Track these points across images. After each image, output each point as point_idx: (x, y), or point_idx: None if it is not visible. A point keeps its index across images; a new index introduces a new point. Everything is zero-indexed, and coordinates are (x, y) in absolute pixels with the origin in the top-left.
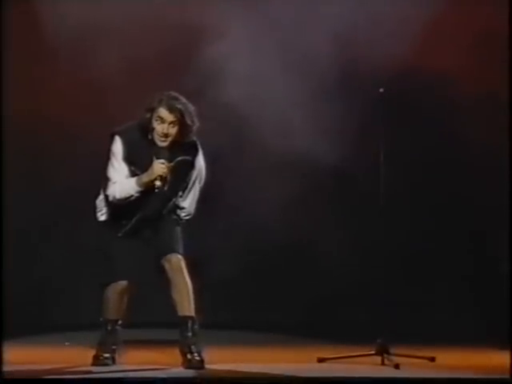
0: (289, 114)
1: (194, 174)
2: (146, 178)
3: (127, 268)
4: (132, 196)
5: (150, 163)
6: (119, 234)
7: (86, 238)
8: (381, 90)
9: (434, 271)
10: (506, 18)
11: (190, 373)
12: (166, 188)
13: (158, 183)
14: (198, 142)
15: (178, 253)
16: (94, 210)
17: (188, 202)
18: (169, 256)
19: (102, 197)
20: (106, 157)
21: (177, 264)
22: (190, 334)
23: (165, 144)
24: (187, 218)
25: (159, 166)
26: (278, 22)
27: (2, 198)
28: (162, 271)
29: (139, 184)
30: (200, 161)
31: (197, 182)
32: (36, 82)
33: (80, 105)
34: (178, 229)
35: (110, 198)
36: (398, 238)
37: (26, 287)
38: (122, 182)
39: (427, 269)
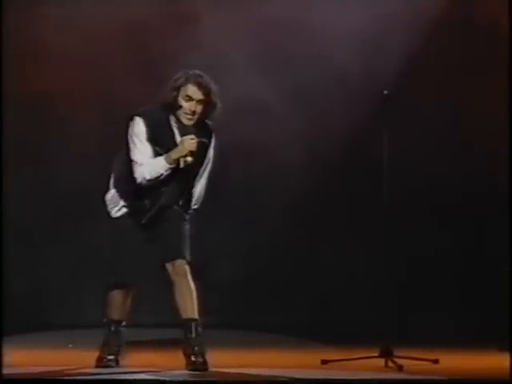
0: (291, 114)
1: (206, 160)
2: (176, 154)
3: (131, 268)
4: (162, 175)
5: (174, 143)
6: (143, 221)
7: (89, 238)
8: (385, 92)
9: (437, 272)
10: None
11: (193, 375)
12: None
13: (189, 159)
14: (213, 130)
15: (183, 257)
16: (94, 209)
17: (198, 190)
18: (173, 260)
19: (113, 192)
20: (108, 156)
21: (180, 268)
22: (193, 336)
23: (191, 122)
24: (195, 207)
25: (189, 142)
26: (279, 22)
27: (2, 198)
28: (166, 273)
29: (169, 161)
30: (212, 148)
31: (207, 169)
32: (38, 81)
33: (83, 103)
34: (186, 228)
35: (139, 180)
36: (402, 238)
37: (29, 288)
38: (149, 162)
39: (430, 270)
